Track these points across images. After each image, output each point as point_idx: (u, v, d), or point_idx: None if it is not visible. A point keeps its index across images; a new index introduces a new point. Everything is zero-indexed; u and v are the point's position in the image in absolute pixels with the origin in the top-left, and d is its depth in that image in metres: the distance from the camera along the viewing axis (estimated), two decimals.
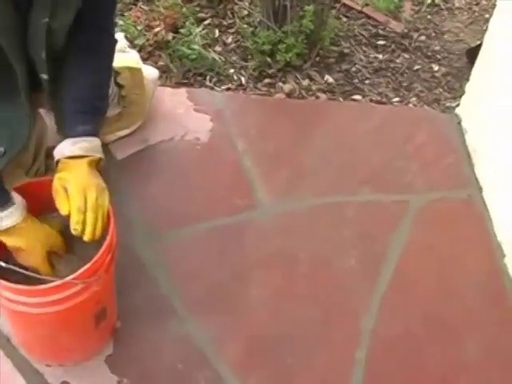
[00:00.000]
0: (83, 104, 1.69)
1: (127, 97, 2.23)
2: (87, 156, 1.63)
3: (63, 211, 1.56)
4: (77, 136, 1.64)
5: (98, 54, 1.75)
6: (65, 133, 1.67)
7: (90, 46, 1.72)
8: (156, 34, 2.69)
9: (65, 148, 1.63)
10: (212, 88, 2.65)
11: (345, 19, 3.04)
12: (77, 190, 1.56)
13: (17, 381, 1.76)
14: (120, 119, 2.27)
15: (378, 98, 2.71)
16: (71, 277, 1.48)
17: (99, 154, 1.67)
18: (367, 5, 3.09)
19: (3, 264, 1.48)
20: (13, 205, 1.51)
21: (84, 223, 1.55)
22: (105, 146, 2.21)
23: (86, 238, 1.55)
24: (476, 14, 3.21)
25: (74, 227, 1.54)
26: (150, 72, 2.36)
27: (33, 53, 1.61)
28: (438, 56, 2.96)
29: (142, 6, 2.89)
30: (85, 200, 1.56)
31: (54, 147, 1.69)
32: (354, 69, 2.83)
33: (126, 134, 2.31)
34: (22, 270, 1.49)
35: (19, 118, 1.68)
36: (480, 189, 2.32)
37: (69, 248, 1.66)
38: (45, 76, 1.66)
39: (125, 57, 2.22)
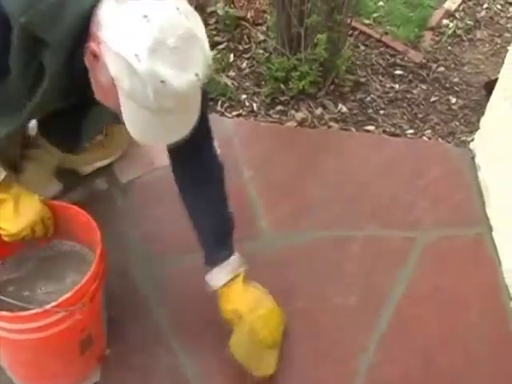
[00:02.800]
0: (216, 234, 1.81)
1: (109, 126, 2.18)
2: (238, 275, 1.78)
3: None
4: (219, 262, 1.78)
5: (206, 183, 1.79)
6: (209, 263, 1.81)
7: (197, 179, 1.78)
8: None
9: (218, 278, 1.78)
10: (223, 113, 2.62)
11: (363, 47, 3.00)
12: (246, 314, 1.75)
13: None
14: (100, 149, 2.23)
15: (392, 130, 2.66)
16: (53, 304, 1.45)
17: (244, 267, 1.81)
18: (386, 33, 3.05)
19: None
20: None
21: None
22: (104, 170, 2.22)
23: None
24: (498, 45, 3.15)
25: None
26: None
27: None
28: (456, 88, 2.91)
29: None
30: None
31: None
32: (368, 98, 2.79)
33: (103, 164, 2.26)
34: (4, 298, 1.47)
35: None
36: (490, 228, 2.26)
37: None
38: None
39: None
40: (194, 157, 1.72)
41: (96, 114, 1.65)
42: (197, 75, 1.30)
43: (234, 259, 1.79)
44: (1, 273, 1.72)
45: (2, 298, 1.48)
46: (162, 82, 1.26)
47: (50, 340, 1.54)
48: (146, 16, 1.26)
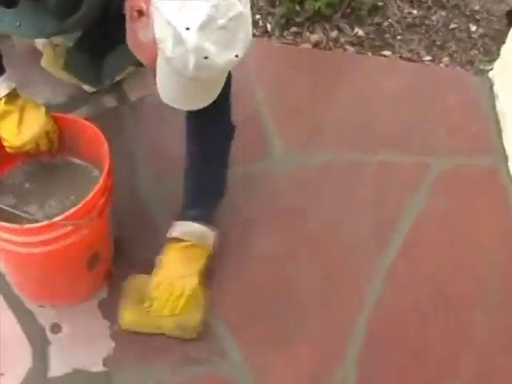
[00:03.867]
0: (196, 191, 1.79)
1: None
2: (183, 240, 1.73)
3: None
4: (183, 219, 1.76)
5: (212, 143, 1.78)
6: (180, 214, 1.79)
7: (204, 134, 1.77)
8: None
9: (171, 230, 1.76)
10: None
11: None
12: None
13: (7, 318, 1.74)
14: None
15: (409, 56, 2.59)
16: (60, 217, 1.42)
17: (196, 240, 1.74)
18: None
19: None
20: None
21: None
22: (113, 87, 2.18)
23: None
24: None
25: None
26: None
27: None
28: (477, 16, 2.82)
29: None
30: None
31: None
32: (386, 23, 2.70)
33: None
34: (13, 210, 1.44)
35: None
36: (506, 158, 2.22)
37: None
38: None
39: None
40: (209, 114, 1.68)
41: (124, 51, 1.62)
42: (237, 56, 1.34)
43: (195, 226, 1.75)
44: (3, 185, 1.69)
45: (7, 208, 1.45)
46: (206, 57, 1.30)
47: (57, 255, 1.52)
48: None
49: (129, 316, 1.72)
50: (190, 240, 1.73)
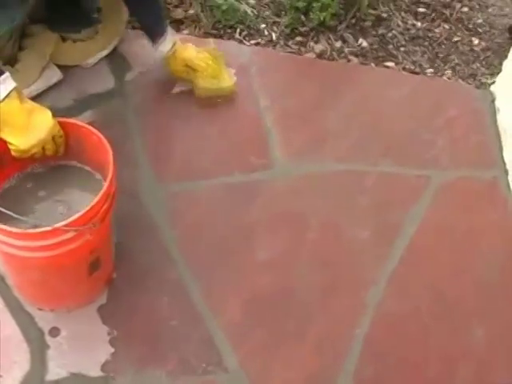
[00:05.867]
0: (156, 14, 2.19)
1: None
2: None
3: None
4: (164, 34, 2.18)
5: None
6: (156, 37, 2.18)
7: None
8: None
9: (168, 42, 2.19)
10: (241, 41, 2.56)
11: None
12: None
13: (6, 321, 1.74)
14: (96, 38, 2.28)
15: (412, 67, 2.60)
16: (63, 223, 1.42)
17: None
18: None
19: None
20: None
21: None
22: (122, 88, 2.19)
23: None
24: None
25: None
26: None
27: None
28: (480, 29, 2.83)
29: None
30: None
31: None
32: (390, 34, 2.72)
33: (105, 54, 2.31)
34: (17, 216, 1.43)
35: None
36: (506, 171, 2.22)
37: None
38: None
39: None
40: None
41: None
42: None
43: (171, 30, 2.20)
44: (8, 190, 1.68)
45: (10, 212, 1.44)
46: None
47: (59, 260, 1.52)
48: None
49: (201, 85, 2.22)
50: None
